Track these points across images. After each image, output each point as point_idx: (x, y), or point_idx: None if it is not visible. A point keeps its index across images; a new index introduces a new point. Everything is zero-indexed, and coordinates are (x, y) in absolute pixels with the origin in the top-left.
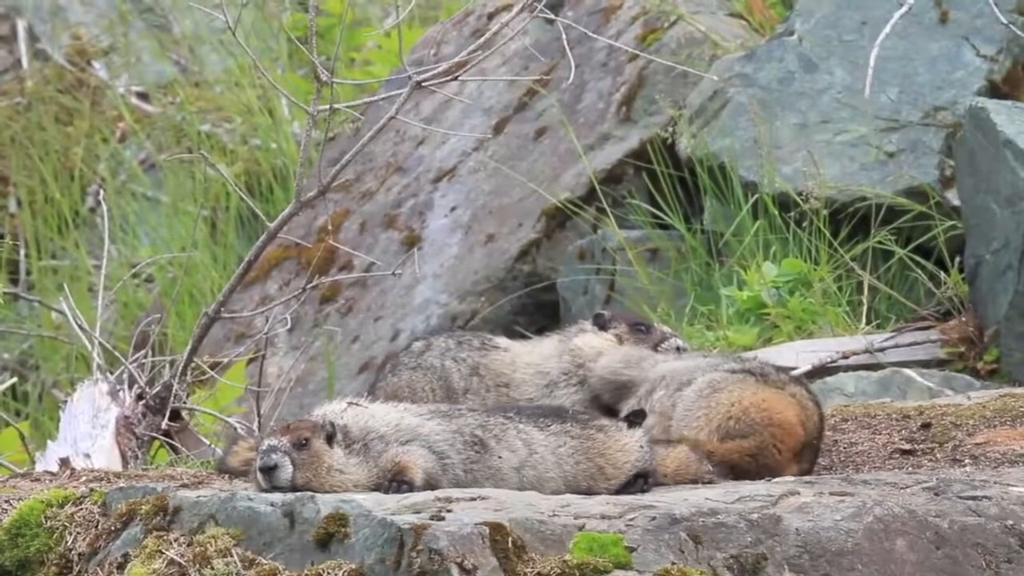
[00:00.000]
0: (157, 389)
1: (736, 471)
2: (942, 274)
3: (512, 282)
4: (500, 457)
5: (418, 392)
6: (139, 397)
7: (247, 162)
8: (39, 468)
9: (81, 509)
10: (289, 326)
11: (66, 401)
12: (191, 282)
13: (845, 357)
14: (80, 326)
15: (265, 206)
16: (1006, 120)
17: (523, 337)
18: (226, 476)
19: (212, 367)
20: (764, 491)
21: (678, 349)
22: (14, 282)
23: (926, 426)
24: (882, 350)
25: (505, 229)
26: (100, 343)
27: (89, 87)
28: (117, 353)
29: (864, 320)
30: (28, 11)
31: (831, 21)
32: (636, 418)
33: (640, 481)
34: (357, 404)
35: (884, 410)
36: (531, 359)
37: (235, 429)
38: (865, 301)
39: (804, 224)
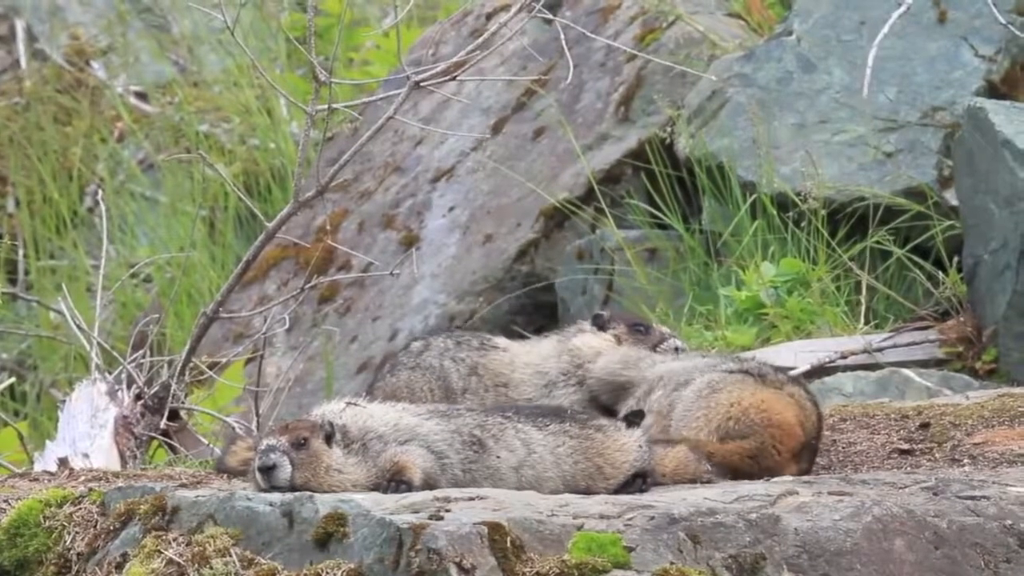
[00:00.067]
0: (155, 389)
1: (736, 472)
2: (940, 274)
3: (510, 282)
4: (498, 457)
5: (416, 392)
6: (137, 397)
7: (245, 162)
8: (38, 468)
9: (80, 509)
10: (287, 326)
11: (64, 401)
12: (189, 282)
13: (843, 357)
14: (78, 326)
15: (263, 206)
16: (1004, 120)
17: (522, 337)
18: (225, 476)
19: (210, 367)
20: (763, 491)
21: (677, 349)
22: (12, 282)
23: (924, 426)
24: (880, 350)
25: (503, 229)
26: (98, 343)
27: (87, 87)
28: (115, 353)
29: (862, 320)
30: (26, 11)
31: (829, 21)
32: (635, 418)
33: (639, 481)
34: (355, 404)
35: (882, 410)
36: (530, 359)
37: (233, 429)
38: (863, 301)
39: (802, 224)
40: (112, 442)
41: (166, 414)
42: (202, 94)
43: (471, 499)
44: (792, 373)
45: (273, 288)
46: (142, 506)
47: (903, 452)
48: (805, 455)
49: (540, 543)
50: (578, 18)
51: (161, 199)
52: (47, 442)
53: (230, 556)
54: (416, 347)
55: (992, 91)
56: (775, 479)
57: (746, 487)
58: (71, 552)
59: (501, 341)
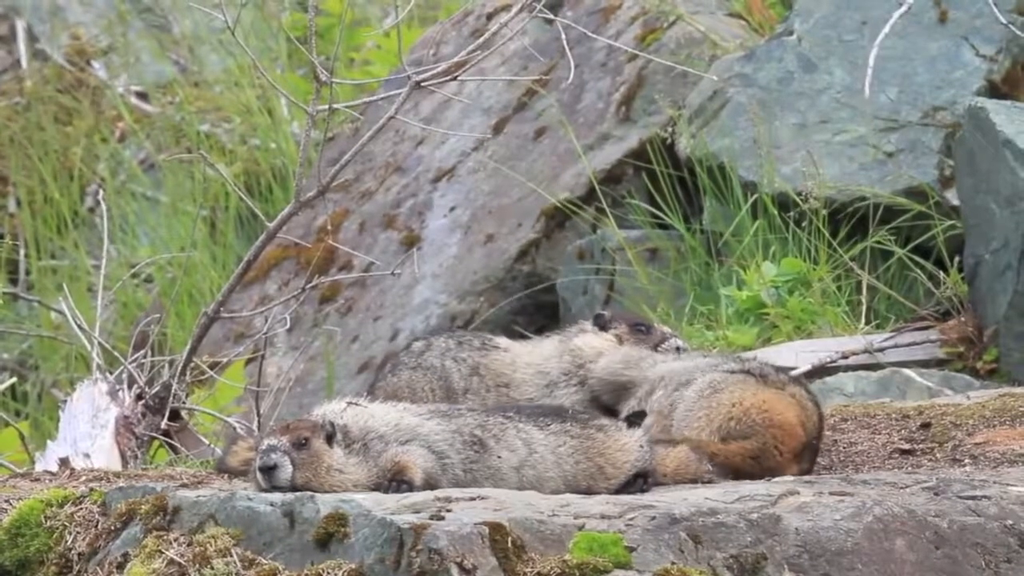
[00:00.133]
0: (156, 389)
1: (737, 472)
2: (941, 274)
3: (511, 282)
4: (499, 457)
5: (418, 392)
6: (138, 397)
7: (246, 162)
8: (39, 468)
9: (81, 509)
10: (288, 326)
11: (66, 401)
12: (190, 282)
13: (844, 357)
14: (79, 326)
15: (264, 206)
16: (1005, 120)
17: (523, 337)
18: (225, 476)
19: (211, 367)
20: (764, 491)
21: (678, 349)
22: (13, 282)
23: (925, 426)
24: (881, 350)
25: (504, 229)
26: (99, 343)
27: (88, 87)
28: (116, 353)
29: (863, 320)
30: (27, 11)
31: (830, 21)
32: (636, 419)
33: (640, 481)
34: (357, 404)
35: (883, 410)
36: (531, 359)
37: (234, 429)
38: (864, 301)
39: (803, 224)
40: (113, 442)
41: (167, 414)
42: (203, 94)
43: (472, 499)
44: (793, 373)
45: (274, 288)
46: (143, 506)
47: (904, 452)
48: (806, 455)
49: (541, 543)
50: (579, 18)
51: (162, 199)
52: (48, 442)
53: (231, 556)
54: (417, 347)
55: (993, 91)
56: (776, 479)
57: (747, 487)
58: (72, 552)
59: (502, 341)
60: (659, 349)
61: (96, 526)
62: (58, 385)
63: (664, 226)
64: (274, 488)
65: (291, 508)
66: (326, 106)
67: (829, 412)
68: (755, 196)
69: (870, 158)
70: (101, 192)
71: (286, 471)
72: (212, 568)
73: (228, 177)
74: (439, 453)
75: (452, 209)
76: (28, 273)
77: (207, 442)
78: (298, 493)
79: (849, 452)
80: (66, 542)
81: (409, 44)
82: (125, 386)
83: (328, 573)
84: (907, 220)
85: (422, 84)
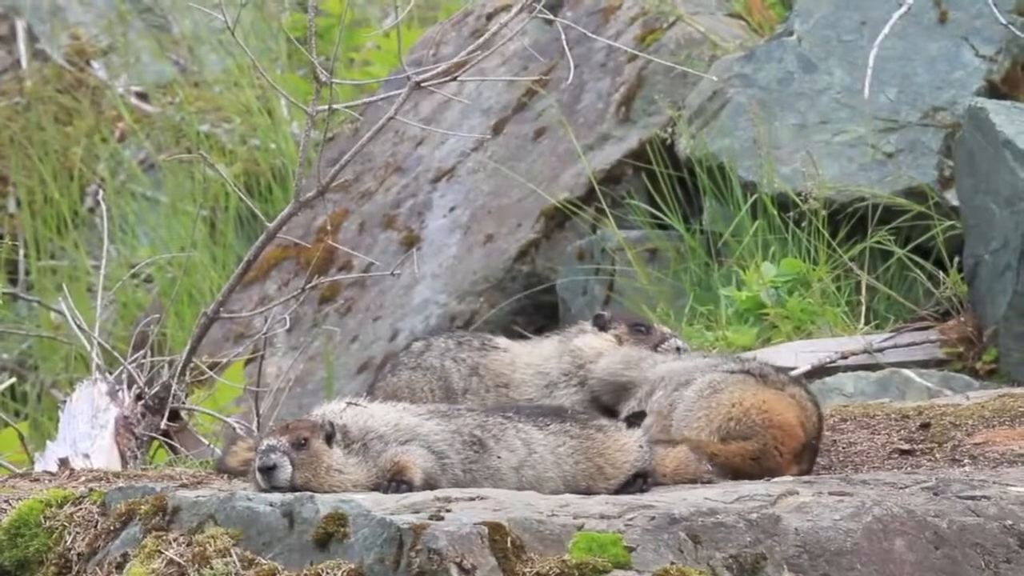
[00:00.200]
0: (156, 389)
1: (737, 473)
2: (941, 274)
3: (511, 282)
4: (499, 457)
5: (417, 392)
6: (138, 397)
7: (246, 162)
8: (38, 468)
9: (80, 509)
10: (288, 326)
11: (65, 401)
12: (190, 282)
13: (844, 357)
14: (79, 326)
15: (264, 206)
16: (1005, 120)
17: (523, 338)
18: (225, 476)
19: (211, 367)
20: (763, 491)
21: (678, 350)
22: (13, 282)
23: (925, 426)
24: (881, 350)
25: (504, 229)
26: (99, 343)
27: (88, 87)
28: (116, 353)
29: (863, 320)
30: (27, 11)
31: (830, 21)
32: (636, 419)
33: (639, 481)
34: (356, 404)
35: (883, 410)
36: (531, 360)
37: (234, 429)
38: (864, 301)
39: (803, 224)
40: (113, 442)
41: (167, 414)
42: (203, 94)
43: (471, 499)
44: (793, 373)
45: (274, 288)
46: (143, 506)
47: (903, 452)
48: (806, 456)
49: (540, 543)
50: (579, 18)
51: (162, 199)
52: (48, 442)
53: (230, 556)
54: (417, 347)
55: (993, 91)
56: (776, 479)
57: (746, 487)
58: (72, 552)
59: (502, 341)
60: (659, 349)
61: (95, 526)
62: (58, 385)
63: (664, 226)
64: (273, 488)
65: (290, 508)
66: (326, 106)
67: (828, 412)
68: (755, 196)
69: (870, 158)
70: (101, 192)
71: (285, 471)
72: (211, 568)
73: (228, 177)
74: (439, 453)
75: (452, 209)
76: (28, 273)
77: (207, 442)
78: (297, 493)
79: (848, 452)
80: (65, 542)
81: (409, 44)
82: (125, 386)
83: (327, 573)
84: (907, 220)
85: (422, 84)
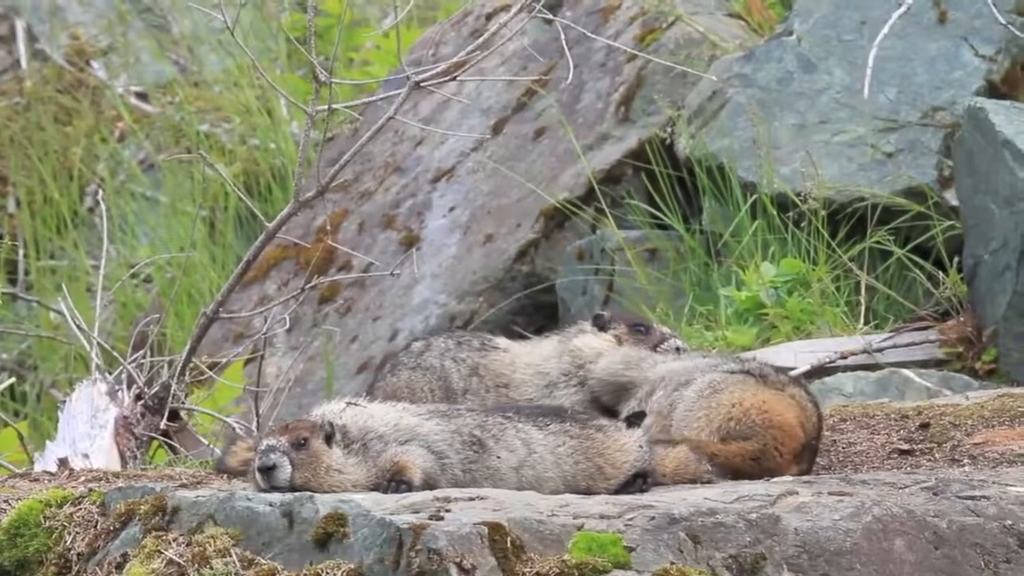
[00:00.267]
0: (156, 389)
1: (737, 473)
2: (940, 274)
3: (511, 282)
4: (499, 457)
5: (417, 392)
6: (138, 397)
7: (246, 162)
8: (38, 468)
9: (80, 509)
10: (288, 326)
11: (65, 401)
12: (190, 282)
13: (843, 357)
14: (79, 326)
15: (264, 206)
16: (1005, 120)
17: (522, 337)
18: (225, 476)
19: (211, 367)
20: (763, 491)
21: (677, 350)
22: (13, 282)
23: (924, 426)
24: (880, 350)
25: (504, 229)
26: (99, 343)
27: (88, 87)
28: (116, 353)
29: (862, 320)
30: (27, 11)
31: (830, 21)
32: (636, 419)
33: (639, 481)
34: (356, 404)
35: (882, 410)
36: (531, 360)
37: (234, 429)
38: (863, 301)
39: (802, 224)
40: (112, 442)
41: (166, 414)
42: (202, 94)
43: (471, 499)
44: (792, 373)
45: (273, 288)
46: (142, 506)
47: (903, 452)
48: (806, 456)
49: (540, 543)
50: (578, 18)
51: (161, 199)
52: (47, 442)
53: (230, 556)
54: (417, 347)
55: (992, 91)
56: (775, 479)
57: (746, 487)
58: (71, 552)
59: (502, 341)
60: (658, 349)
61: (95, 526)
62: (57, 385)
63: (663, 226)
64: (273, 488)
65: (290, 508)
66: (325, 106)
67: (828, 412)
68: (754, 196)
69: (869, 158)
70: (100, 192)
71: (285, 471)
72: (211, 568)
73: (227, 177)
74: (438, 453)
75: (451, 209)
76: (27, 273)
77: (206, 442)
78: (297, 493)
79: (848, 452)
80: (65, 542)
81: (408, 44)
82: (124, 386)
83: (327, 573)
84: (906, 220)
85: (421, 84)
